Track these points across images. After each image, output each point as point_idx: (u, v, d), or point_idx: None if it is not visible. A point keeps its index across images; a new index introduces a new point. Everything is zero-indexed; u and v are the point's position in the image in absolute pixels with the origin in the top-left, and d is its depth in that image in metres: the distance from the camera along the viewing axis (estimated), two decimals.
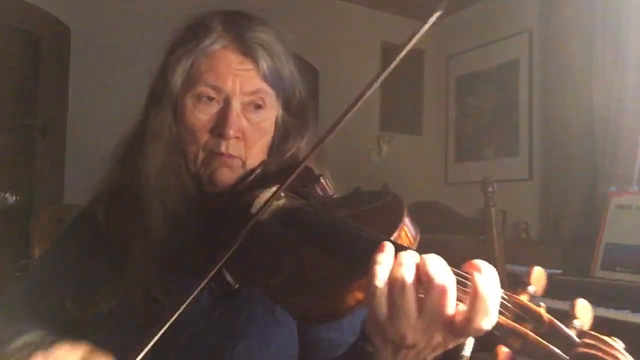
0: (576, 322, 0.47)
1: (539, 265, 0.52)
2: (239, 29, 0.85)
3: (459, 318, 0.48)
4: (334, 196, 0.81)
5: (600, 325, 0.49)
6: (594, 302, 1.76)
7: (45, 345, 0.67)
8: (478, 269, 0.48)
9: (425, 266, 0.49)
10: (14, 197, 3.05)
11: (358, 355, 0.57)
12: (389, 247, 0.51)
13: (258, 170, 0.87)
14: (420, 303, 0.49)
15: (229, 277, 0.69)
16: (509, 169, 3.64)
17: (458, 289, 0.49)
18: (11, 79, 3.07)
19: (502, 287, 0.50)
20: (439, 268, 0.49)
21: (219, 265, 0.64)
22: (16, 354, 0.68)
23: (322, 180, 0.81)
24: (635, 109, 2.78)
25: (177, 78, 0.85)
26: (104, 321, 0.79)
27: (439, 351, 0.52)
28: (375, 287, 0.50)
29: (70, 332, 0.84)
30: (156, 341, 0.60)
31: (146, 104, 0.89)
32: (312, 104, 0.96)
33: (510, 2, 3.70)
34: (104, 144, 0.92)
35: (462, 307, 0.49)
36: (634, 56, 2.80)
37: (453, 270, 0.50)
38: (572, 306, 0.48)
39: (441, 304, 0.48)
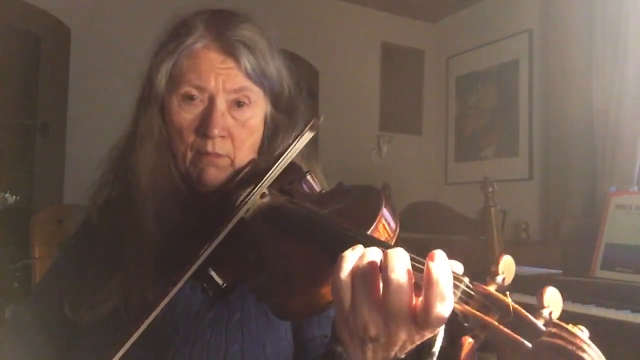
0: (545, 311, 0.46)
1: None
2: (221, 27, 0.85)
3: (419, 308, 0.50)
4: (322, 192, 0.81)
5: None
6: (594, 302, 1.76)
7: None
8: (431, 257, 0.50)
9: (385, 260, 0.50)
10: (14, 197, 3.05)
11: (330, 356, 0.57)
12: (358, 247, 0.53)
13: (247, 169, 0.86)
14: (382, 295, 0.50)
15: (215, 276, 0.69)
16: (509, 169, 3.64)
17: (419, 280, 0.50)
18: (11, 79, 3.08)
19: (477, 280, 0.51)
20: (397, 262, 0.50)
21: (196, 263, 0.64)
22: None
23: (308, 177, 0.81)
24: (635, 109, 2.78)
25: (162, 79, 0.84)
26: (104, 325, 0.79)
27: (408, 348, 0.52)
28: (340, 278, 0.51)
29: (70, 337, 0.84)
30: (153, 342, 0.59)
31: (137, 106, 0.89)
32: (303, 100, 0.94)
33: (510, 2, 3.70)
34: (104, 144, 0.92)
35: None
36: (633, 56, 2.80)
37: (415, 259, 0.51)
38: (541, 295, 0.47)
39: (398, 297, 0.49)
